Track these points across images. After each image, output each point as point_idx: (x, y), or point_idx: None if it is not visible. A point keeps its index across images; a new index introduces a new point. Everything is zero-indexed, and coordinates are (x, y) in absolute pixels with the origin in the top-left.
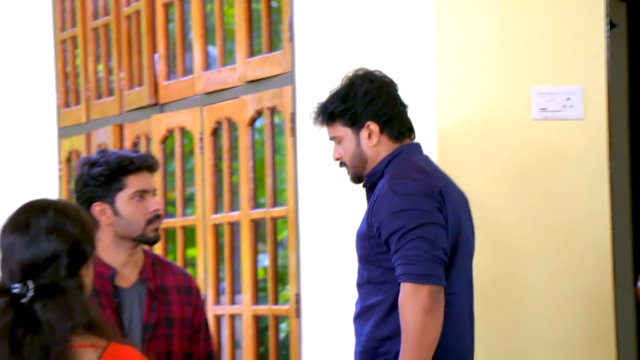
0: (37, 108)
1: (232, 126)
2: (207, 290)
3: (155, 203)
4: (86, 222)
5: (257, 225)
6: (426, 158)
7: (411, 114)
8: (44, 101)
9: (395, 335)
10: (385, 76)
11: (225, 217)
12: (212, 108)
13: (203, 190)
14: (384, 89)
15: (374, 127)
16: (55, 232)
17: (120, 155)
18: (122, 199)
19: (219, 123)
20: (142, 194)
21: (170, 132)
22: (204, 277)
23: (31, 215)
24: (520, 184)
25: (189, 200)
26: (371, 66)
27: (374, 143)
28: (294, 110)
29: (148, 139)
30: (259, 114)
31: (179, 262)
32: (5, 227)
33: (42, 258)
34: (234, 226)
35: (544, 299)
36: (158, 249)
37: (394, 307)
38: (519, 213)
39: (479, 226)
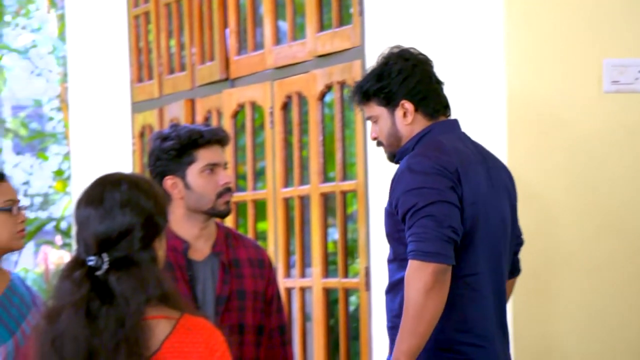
0: (111, 83)
1: (302, 100)
2: (277, 263)
3: (225, 176)
4: (159, 196)
5: (326, 199)
6: (460, 135)
7: (480, 87)
8: (118, 77)
9: None
10: (420, 54)
11: (295, 190)
12: (282, 82)
13: (273, 164)
14: (419, 66)
15: (408, 105)
16: (129, 205)
17: (190, 129)
18: (193, 173)
19: (289, 97)
20: (213, 167)
21: (241, 107)
22: (274, 251)
23: (105, 189)
24: (590, 159)
25: (259, 174)
26: (439, 40)
27: (409, 121)
28: None
29: (219, 114)
30: (328, 88)
31: (249, 236)
32: (80, 201)
33: (117, 231)
34: (304, 200)
35: (616, 279)
36: (229, 222)
37: None
38: (589, 191)
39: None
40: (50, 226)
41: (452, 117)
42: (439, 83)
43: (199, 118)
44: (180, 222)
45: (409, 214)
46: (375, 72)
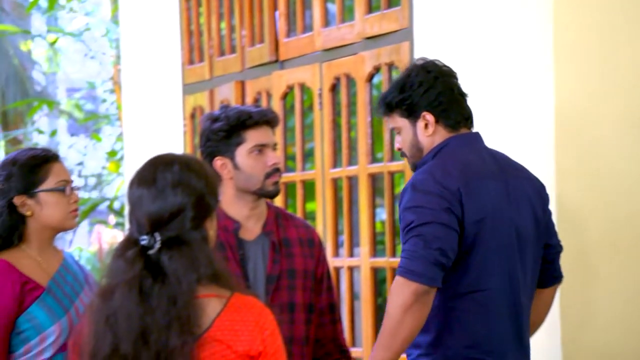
0: (163, 65)
1: (351, 82)
2: (326, 243)
3: (273, 157)
4: (210, 176)
5: (374, 180)
6: (476, 148)
7: (528, 80)
8: (170, 59)
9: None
10: (444, 66)
11: (343, 171)
12: (331, 64)
13: (322, 145)
14: (440, 78)
15: (429, 117)
16: (180, 186)
17: (239, 110)
18: (242, 153)
19: (337, 79)
20: (261, 148)
21: (290, 89)
22: (322, 230)
23: (158, 169)
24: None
25: (308, 155)
26: (486, 25)
27: (429, 133)
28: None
29: (269, 95)
30: (377, 69)
31: (298, 216)
32: (133, 181)
33: (168, 211)
34: (352, 180)
35: None
36: (278, 202)
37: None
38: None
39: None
40: (103, 206)
41: (499, 119)
42: (462, 95)
43: (249, 100)
44: (231, 202)
45: (405, 230)
46: (398, 84)
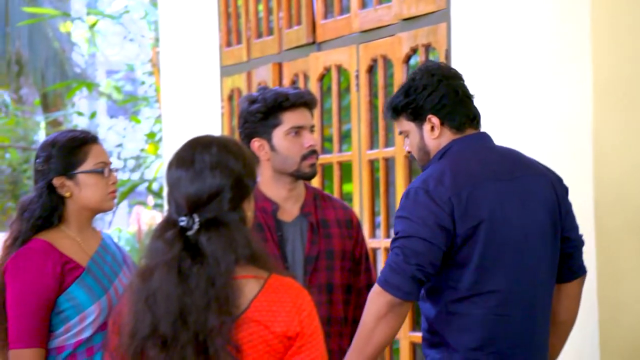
0: (201, 48)
1: (388, 63)
2: (363, 224)
3: (310, 139)
4: (248, 158)
5: (411, 161)
6: (481, 148)
7: (566, 66)
8: (208, 41)
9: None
10: (448, 68)
11: (380, 152)
12: (367, 46)
13: (359, 126)
14: (445, 81)
15: (435, 120)
16: (218, 167)
17: (277, 92)
18: (278, 135)
19: (374, 60)
20: (298, 130)
21: (327, 70)
22: (359, 212)
23: (196, 151)
24: None
25: (345, 137)
26: (524, 7)
27: (435, 135)
28: (448, 47)
29: (306, 77)
30: (414, 51)
31: (336, 197)
32: (172, 163)
33: (207, 193)
34: (389, 162)
35: None
36: (315, 184)
37: (431, 299)
38: None
39: None
40: (142, 187)
41: (535, 100)
42: (467, 96)
43: (286, 81)
44: (269, 183)
45: (392, 239)
46: (403, 88)
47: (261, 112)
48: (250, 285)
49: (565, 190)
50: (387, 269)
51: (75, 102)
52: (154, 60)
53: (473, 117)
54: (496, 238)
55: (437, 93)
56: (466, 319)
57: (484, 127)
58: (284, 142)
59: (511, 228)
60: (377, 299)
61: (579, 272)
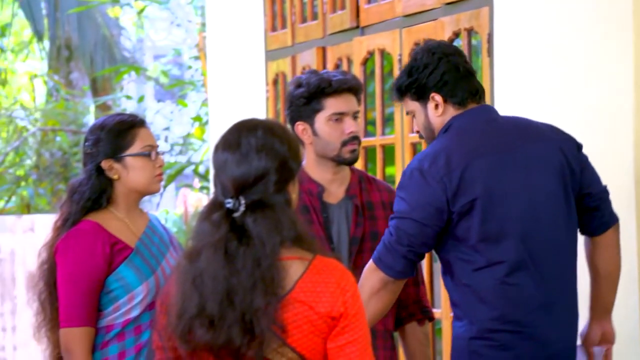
0: (246, 32)
1: None
2: None
3: (351, 125)
4: (292, 140)
5: None
6: (481, 120)
7: (608, 51)
8: (253, 26)
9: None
10: (448, 46)
11: None
12: (410, 30)
13: (402, 110)
14: (444, 58)
15: (438, 97)
16: (264, 150)
17: (321, 77)
18: (320, 120)
19: (417, 44)
20: (339, 116)
21: (370, 54)
22: None
23: (242, 134)
24: None
25: (388, 120)
26: None
27: (440, 113)
28: (491, 31)
29: (349, 61)
30: (456, 35)
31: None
32: (218, 145)
33: (253, 175)
34: None
35: None
36: (358, 166)
37: (447, 273)
38: None
39: None
40: (189, 170)
41: (578, 84)
42: (469, 72)
43: (330, 65)
44: (314, 166)
45: (390, 217)
46: (406, 69)
47: (304, 97)
48: (295, 267)
49: (577, 148)
50: (382, 246)
51: (124, 86)
52: (201, 45)
53: (475, 92)
54: (496, 212)
55: (438, 71)
56: (479, 291)
57: (524, 109)
58: (325, 127)
59: (513, 200)
60: (370, 276)
61: (611, 221)
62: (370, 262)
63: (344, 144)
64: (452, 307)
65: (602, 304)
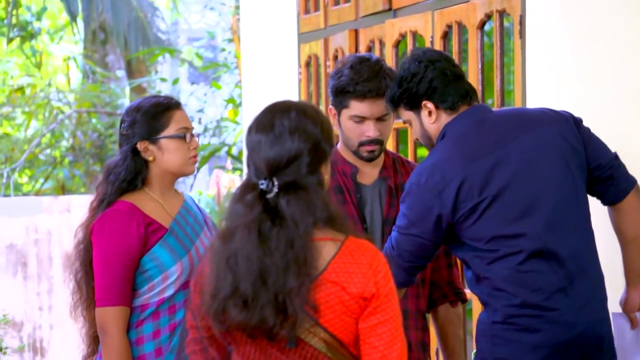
0: (279, 15)
1: (462, 29)
2: None
3: (371, 129)
4: (325, 122)
5: None
6: (475, 121)
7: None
8: (286, 9)
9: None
10: (434, 52)
11: None
12: (442, 12)
13: None
14: (431, 66)
15: (430, 105)
16: (297, 132)
17: (350, 76)
18: (345, 116)
19: (449, 27)
20: (361, 119)
21: (402, 36)
22: None
23: (275, 116)
24: None
25: None
26: None
27: (433, 120)
28: (523, 12)
29: (381, 43)
30: (488, 17)
31: (414, 162)
32: (252, 127)
33: (286, 157)
34: None
35: None
36: (390, 148)
37: (467, 269)
38: None
39: None
40: (222, 152)
41: (612, 71)
42: (457, 75)
43: (362, 48)
44: (345, 149)
45: (393, 227)
46: (396, 80)
47: (334, 90)
48: (327, 247)
49: (577, 124)
50: (385, 254)
51: (158, 69)
52: (234, 27)
53: (465, 94)
54: (500, 210)
55: (426, 78)
56: (495, 281)
57: (556, 92)
58: (347, 123)
59: (518, 193)
60: None
61: (628, 187)
62: None
63: (361, 144)
64: (480, 302)
65: (635, 269)
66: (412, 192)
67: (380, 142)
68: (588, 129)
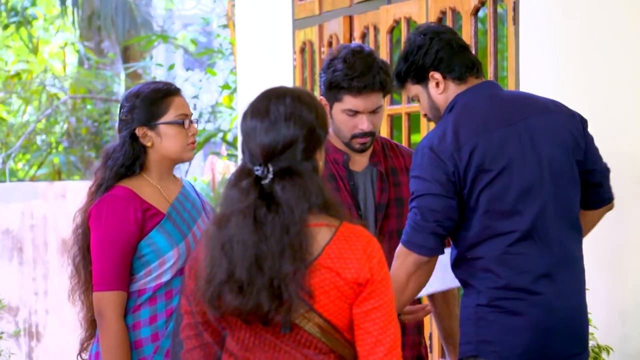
0: (274, 1)
1: (456, 16)
2: None
3: (364, 123)
4: (320, 109)
5: None
6: (486, 96)
7: (636, 23)
8: None
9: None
10: (437, 25)
11: None
12: None
13: None
14: (436, 37)
15: (437, 75)
16: (292, 118)
17: (345, 72)
18: (337, 109)
19: (443, 13)
20: (354, 113)
21: (397, 23)
22: None
23: (270, 102)
24: None
25: None
26: None
27: (441, 90)
28: None
29: (376, 30)
30: (482, 3)
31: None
32: (247, 113)
33: (281, 143)
34: None
35: None
36: (384, 134)
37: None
38: None
39: None
40: (218, 138)
41: (606, 57)
42: (462, 47)
43: (357, 34)
44: (336, 138)
45: (409, 199)
46: (402, 56)
47: (327, 83)
48: (322, 233)
49: (583, 124)
50: (408, 228)
51: (153, 54)
52: (229, 14)
53: (472, 65)
54: (505, 185)
55: (432, 49)
56: (482, 261)
57: (549, 78)
58: (340, 116)
59: (522, 172)
60: (404, 259)
61: (609, 197)
62: (401, 246)
63: (354, 137)
64: (461, 284)
65: None
66: (426, 155)
67: (372, 134)
68: (591, 135)
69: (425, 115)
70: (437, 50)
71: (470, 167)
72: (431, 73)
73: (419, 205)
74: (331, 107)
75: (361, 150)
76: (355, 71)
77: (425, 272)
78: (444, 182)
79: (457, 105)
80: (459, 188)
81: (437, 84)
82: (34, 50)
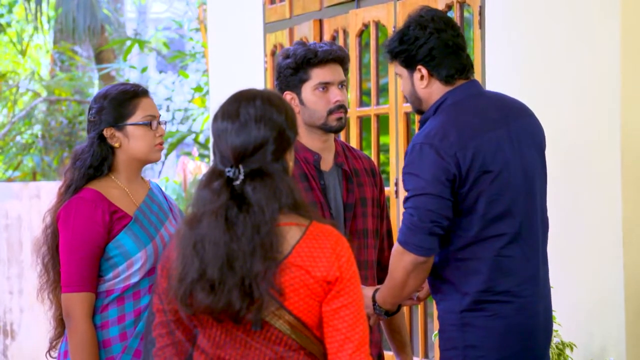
0: (245, 5)
1: None
2: (397, 174)
3: (337, 94)
4: (289, 110)
5: None
6: (474, 94)
7: (595, 26)
8: None
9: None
10: (441, 19)
11: None
12: (405, 3)
13: (395, 80)
14: (435, 34)
15: (424, 70)
16: (263, 120)
17: (307, 48)
18: (307, 90)
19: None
20: (325, 85)
21: (365, 26)
22: (395, 162)
23: (241, 104)
24: None
25: (382, 90)
26: None
27: (424, 85)
28: (482, 3)
29: (345, 33)
30: (449, 7)
31: (373, 149)
32: (217, 115)
33: (252, 144)
34: None
35: None
36: (353, 135)
37: (440, 260)
38: None
39: None
40: (190, 139)
41: (566, 62)
42: (458, 48)
43: (327, 37)
44: (304, 136)
45: (405, 198)
46: (399, 35)
47: (291, 67)
48: (292, 232)
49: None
50: (405, 228)
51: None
52: (201, 17)
53: (462, 69)
54: (502, 186)
55: (427, 45)
56: (473, 263)
57: (514, 82)
58: (311, 97)
59: (515, 174)
60: (402, 259)
61: None
62: (397, 246)
63: (330, 112)
64: (438, 287)
65: None
66: (425, 152)
67: (345, 109)
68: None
69: (405, 97)
70: (431, 48)
71: (473, 168)
72: (419, 66)
73: (415, 205)
74: (300, 94)
75: (339, 128)
76: (317, 46)
77: (424, 269)
78: (443, 181)
79: (446, 103)
80: (456, 187)
81: (422, 78)
82: (10, 54)
